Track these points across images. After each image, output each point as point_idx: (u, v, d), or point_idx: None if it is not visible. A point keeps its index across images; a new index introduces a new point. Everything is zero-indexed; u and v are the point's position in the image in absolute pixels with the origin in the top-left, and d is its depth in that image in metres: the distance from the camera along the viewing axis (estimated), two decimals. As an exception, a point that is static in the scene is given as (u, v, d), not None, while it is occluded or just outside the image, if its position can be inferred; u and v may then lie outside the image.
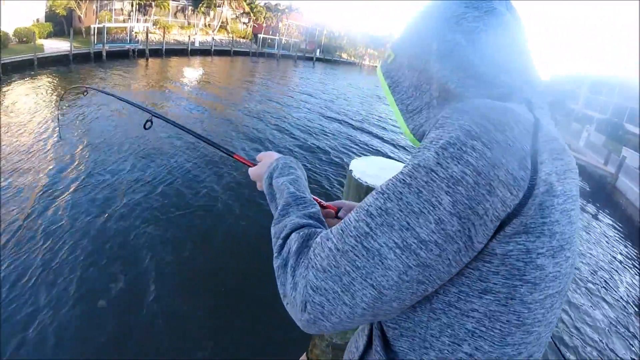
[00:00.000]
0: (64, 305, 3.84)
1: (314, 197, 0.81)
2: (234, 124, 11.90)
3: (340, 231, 0.52)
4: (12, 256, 4.45)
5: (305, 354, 2.29)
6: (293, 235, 0.60)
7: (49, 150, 7.91)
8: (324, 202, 0.89)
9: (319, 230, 0.60)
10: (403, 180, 0.49)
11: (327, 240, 0.53)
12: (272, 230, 0.67)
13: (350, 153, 10.53)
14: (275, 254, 0.62)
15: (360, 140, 12.24)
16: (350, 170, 1.85)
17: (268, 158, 0.88)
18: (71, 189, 6.24)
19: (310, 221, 0.64)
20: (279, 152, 0.91)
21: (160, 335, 3.65)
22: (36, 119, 10.05)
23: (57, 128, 9.22)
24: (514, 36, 0.61)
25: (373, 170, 1.88)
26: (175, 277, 4.47)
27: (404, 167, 0.51)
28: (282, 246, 0.61)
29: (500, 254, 0.47)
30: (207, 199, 6.59)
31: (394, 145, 12.48)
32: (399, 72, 0.69)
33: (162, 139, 9.07)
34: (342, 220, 0.54)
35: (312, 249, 0.55)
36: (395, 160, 2.00)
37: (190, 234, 5.39)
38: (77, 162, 7.38)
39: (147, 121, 1.19)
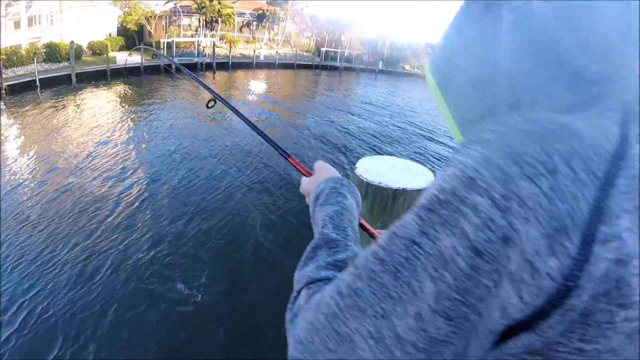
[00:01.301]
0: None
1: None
2: (297, 128, 12.12)
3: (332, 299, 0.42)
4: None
5: None
6: (304, 291, 0.51)
7: (134, 151, 8.38)
8: (374, 230, 0.78)
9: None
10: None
11: (316, 308, 0.43)
12: (295, 276, 0.58)
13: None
14: (289, 305, 0.53)
15: (431, 151, 11.77)
16: (355, 167, 1.67)
17: (319, 173, 0.78)
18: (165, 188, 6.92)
19: (330, 273, 0.52)
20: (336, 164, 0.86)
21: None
22: (113, 121, 10.55)
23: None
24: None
25: (378, 168, 1.69)
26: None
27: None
28: (294, 299, 0.52)
29: None
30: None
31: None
32: (450, 64, 0.47)
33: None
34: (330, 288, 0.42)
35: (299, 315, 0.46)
36: (408, 160, 1.68)
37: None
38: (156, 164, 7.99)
39: (209, 100, 1.22)
